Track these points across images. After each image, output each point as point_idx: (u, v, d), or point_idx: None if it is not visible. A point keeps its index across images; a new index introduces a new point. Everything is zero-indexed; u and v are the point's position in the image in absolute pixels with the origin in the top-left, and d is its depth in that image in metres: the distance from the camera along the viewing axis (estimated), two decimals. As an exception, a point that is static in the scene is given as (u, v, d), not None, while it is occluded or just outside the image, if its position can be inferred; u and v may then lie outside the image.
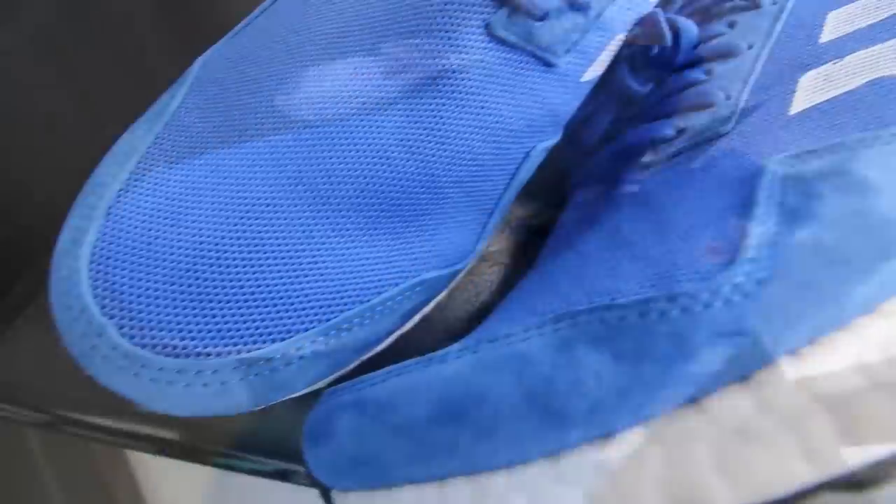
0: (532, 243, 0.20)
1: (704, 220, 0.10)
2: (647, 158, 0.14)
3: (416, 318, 0.15)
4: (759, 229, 0.09)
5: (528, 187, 0.20)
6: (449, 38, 0.12)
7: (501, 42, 0.13)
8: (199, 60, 0.15)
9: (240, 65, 0.14)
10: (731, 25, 0.16)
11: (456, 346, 0.10)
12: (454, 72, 0.13)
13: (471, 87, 0.13)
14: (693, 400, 0.08)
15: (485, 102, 0.13)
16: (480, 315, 0.19)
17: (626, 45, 0.15)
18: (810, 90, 0.12)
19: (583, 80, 0.15)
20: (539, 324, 0.09)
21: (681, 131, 0.14)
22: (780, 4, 0.15)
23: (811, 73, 0.13)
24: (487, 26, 0.12)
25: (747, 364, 0.08)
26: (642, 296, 0.09)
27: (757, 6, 0.15)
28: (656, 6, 0.18)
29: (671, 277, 0.09)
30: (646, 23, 0.15)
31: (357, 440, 0.10)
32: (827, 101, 0.12)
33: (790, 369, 0.08)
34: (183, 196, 0.12)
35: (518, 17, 0.12)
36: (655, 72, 0.15)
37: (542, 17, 0.13)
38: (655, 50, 0.15)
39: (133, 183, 0.12)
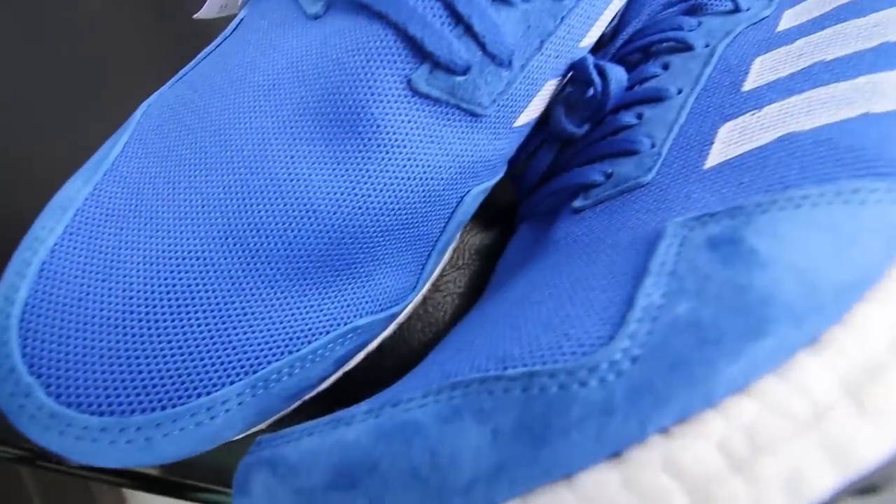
0: (487, 270, 0.21)
1: (605, 284, 0.10)
2: (577, 203, 0.15)
3: (353, 362, 0.15)
4: (644, 302, 0.09)
5: (482, 215, 0.21)
6: (372, 94, 0.13)
7: (425, 97, 0.13)
8: (143, 105, 0.15)
9: (179, 112, 0.14)
10: (666, 67, 0.16)
11: (364, 407, 0.10)
12: (379, 126, 0.13)
13: (396, 141, 0.13)
14: (566, 476, 0.08)
15: (412, 154, 0.13)
16: (434, 345, 0.20)
17: (561, 88, 0.16)
18: (727, 143, 0.13)
19: (516, 125, 0.15)
20: (437, 390, 0.10)
21: (608, 176, 0.14)
22: (711, 47, 0.15)
23: (729, 124, 0.13)
24: (409, 82, 0.13)
25: (618, 441, 0.08)
26: (529, 368, 0.09)
27: (690, 48, 0.16)
28: (601, 41, 0.18)
29: (559, 349, 0.09)
30: (575, 68, 0.15)
31: (268, 499, 0.10)
32: (739, 155, 0.12)
33: (658, 448, 0.08)
34: (116, 250, 0.12)
35: (439, 73, 0.13)
36: (590, 114, 0.15)
37: (464, 72, 0.13)
38: (589, 93, 0.15)
39: (68, 237, 0.13)
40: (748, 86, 0.14)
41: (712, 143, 0.13)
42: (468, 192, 0.15)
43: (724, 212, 0.10)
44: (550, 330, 0.10)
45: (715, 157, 0.12)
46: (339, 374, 0.15)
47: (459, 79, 0.13)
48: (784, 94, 0.13)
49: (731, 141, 0.13)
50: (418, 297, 0.17)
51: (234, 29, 0.16)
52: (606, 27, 0.17)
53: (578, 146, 0.16)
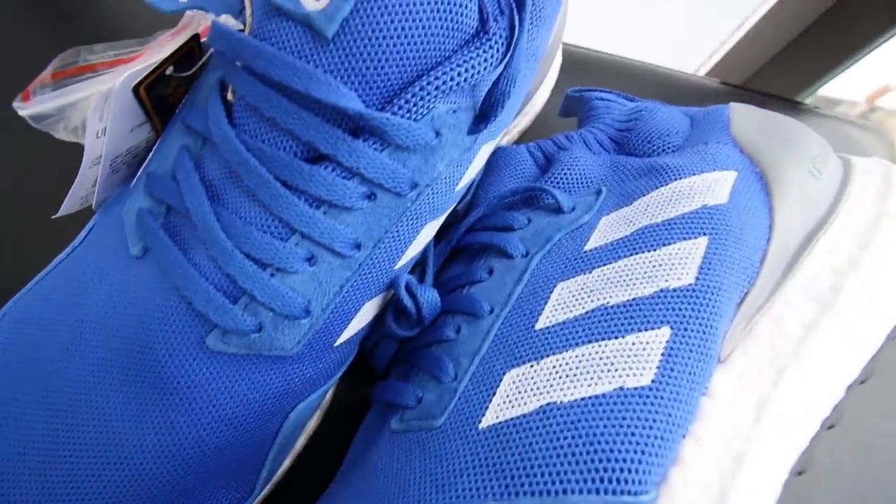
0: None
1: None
2: (394, 424, 0.15)
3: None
4: None
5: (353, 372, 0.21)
6: (170, 353, 0.13)
7: (221, 353, 0.13)
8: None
9: (23, 330, 0.15)
10: (490, 272, 0.16)
11: None
12: (180, 381, 0.13)
13: (199, 393, 0.13)
14: None
15: (217, 401, 0.14)
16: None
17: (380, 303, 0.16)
18: (504, 396, 0.13)
19: (336, 345, 0.15)
20: None
21: (419, 401, 0.15)
22: (529, 257, 0.16)
23: (514, 373, 0.13)
24: (204, 343, 0.13)
25: None
26: None
27: (510, 257, 0.16)
28: (455, 216, 0.18)
29: None
30: (389, 288, 0.15)
31: None
32: (507, 420, 0.12)
33: None
34: None
35: (231, 335, 0.13)
36: (414, 323, 0.16)
37: (258, 330, 0.13)
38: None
39: None
40: (541, 323, 0.14)
41: (494, 392, 0.13)
42: (293, 407, 0.15)
43: None
44: None
45: (491, 413, 0.13)
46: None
47: (255, 336, 0.13)
48: (560, 348, 0.13)
49: (509, 394, 0.13)
50: (262, 495, 0.17)
51: (85, 237, 0.17)
52: (448, 215, 0.17)
53: (412, 343, 0.17)
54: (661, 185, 0.15)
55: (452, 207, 0.17)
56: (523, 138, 0.25)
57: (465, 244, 0.17)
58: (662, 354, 0.12)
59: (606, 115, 0.20)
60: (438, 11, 0.11)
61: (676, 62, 0.31)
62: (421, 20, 0.11)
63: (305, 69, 0.11)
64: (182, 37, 0.15)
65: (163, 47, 0.15)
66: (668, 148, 0.18)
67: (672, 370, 0.12)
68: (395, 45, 0.11)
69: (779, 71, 0.33)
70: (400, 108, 0.12)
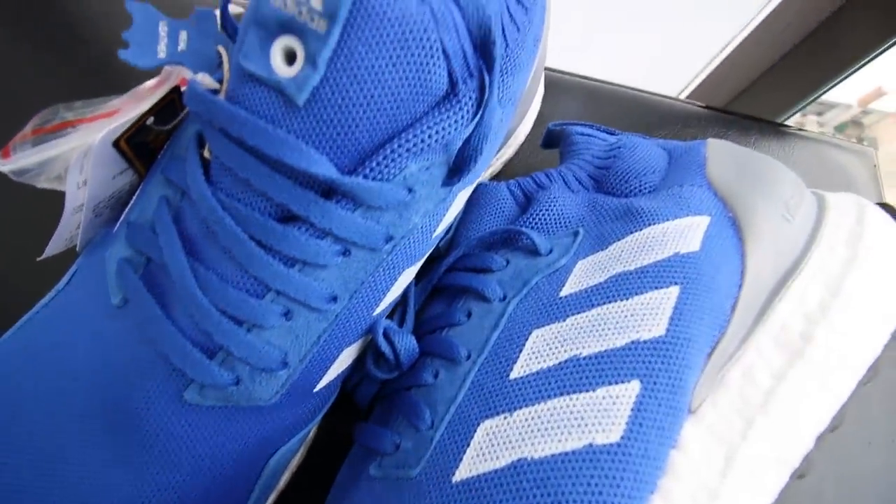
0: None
1: None
2: (372, 471, 0.15)
3: None
4: None
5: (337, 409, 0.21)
6: (147, 405, 0.13)
7: (199, 405, 0.14)
8: None
9: (14, 364, 0.15)
10: (469, 315, 0.16)
11: None
12: (157, 433, 0.13)
13: (176, 444, 0.14)
14: None
15: (196, 451, 0.14)
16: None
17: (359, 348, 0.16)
18: (478, 448, 0.13)
19: (316, 390, 0.16)
20: None
21: (397, 447, 0.15)
22: (506, 301, 0.16)
23: (487, 423, 0.13)
24: (181, 397, 0.13)
25: None
26: None
27: (488, 300, 0.16)
28: (437, 254, 0.18)
29: None
30: (367, 333, 0.16)
31: None
32: (480, 475, 0.13)
33: None
34: None
35: (209, 389, 0.13)
36: (393, 366, 0.16)
37: (236, 383, 0.14)
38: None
39: None
40: (516, 372, 0.14)
41: (469, 443, 0.13)
42: (273, 453, 0.16)
43: None
44: None
45: (465, 466, 0.13)
46: None
47: (232, 388, 0.14)
48: (533, 400, 0.13)
49: (482, 446, 0.13)
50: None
51: (68, 281, 0.17)
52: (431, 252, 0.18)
53: (392, 385, 0.17)
54: (636, 231, 0.16)
55: (430, 252, 0.17)
56: (506, 169, 0.25)
57: (445, 284, 0.18)
58: (632, 409, 0.12)
59: (586, 150, 0.20)
60: (407, 79, 0.11)
61: (660, 84, 0.31)
62: (390, 87, 0.11)
63: (278, 135, 0.11)
64: (162, 90, 0.15)
65: (142, 100, 0.15)
66: (645, 188, 0.18)
67: (641, 425, 0.12)
68: (364, 112, 0.11)
69: (762, 91, 0.33)
70: (371, 170, 0.12)
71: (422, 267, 0.18)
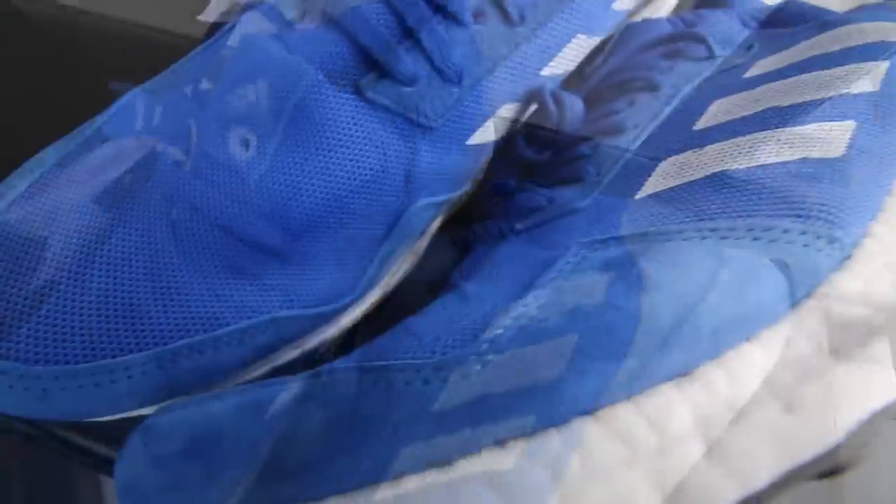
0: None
1: (498, 295, 0.10)
2: (519, 225, 0.14)
3: (284, 357, 0.15)
4: (518, 311, 0.09)
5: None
6: (317, 96, 0.13)
7: (370, 102, 0.13)
8: (134, 92, 0.16)
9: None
10: (631, 104, 0.16)
11: (237, 388, 0.10)
12: (322, 126, 0.13)
13: (338, 141, 0.13)
14: (392, 479, 0.08)
15: (353, 155, 0.13)
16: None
17: (522, 114, 0.16)
18: (662, 176, 0.12)
19: (470, 143, 0.15)
20: (314, 374, 0.09)
21: (551, 201, 0.14)
22: (677, 88, 0.15)
23: (670, 160, 0.13)
24: (356, 87, 0.13)
25: (447, 451, 0.08)
26: (384, 363, 0.09)
27: (657, 88, 0.15)
28: (581, 75, 0.18)
29: (422, 348, 0.09)
30: (532, 96, 0.15)
31: (130, 465, 0.10)
32: (669, 189, 0.12)
33: (487, 460, 0.07)
34: (63, 212, 0.13)
35: (386, 81, 0.13)
36: (549, 142, 0.16)
37: (411, 83, 0.13)
38: (547, 120, 0.15)
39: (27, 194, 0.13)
40: (700, 125, 0.13)
41: (649, 175, 0.12)
42: (415, 201, 0.15)
43: (629, 237, 0.10)
44: (446, 333, 0.10)
45: (647, 188, 0.12)
46: (267, 368, 0.15)
47: (406, 89, 0.13)
48: (729, 134, 0.12)
49: (667, 174, 0.12)
50: (365, 306, 0.17)
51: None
52: (583, 60, 0.17)
53: (536, 171, 0.16)
54: (827, 30, 0.15)
55: (605, 35, 0.16)
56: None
57: (600, 89, 0.17)
58: (850, 139, 0.11)
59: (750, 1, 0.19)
60: None
61: None
62: None
63: None
64: None
65: None
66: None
67: (861, 151, 0.11)
68: None
69: None
70: None
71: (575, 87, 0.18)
